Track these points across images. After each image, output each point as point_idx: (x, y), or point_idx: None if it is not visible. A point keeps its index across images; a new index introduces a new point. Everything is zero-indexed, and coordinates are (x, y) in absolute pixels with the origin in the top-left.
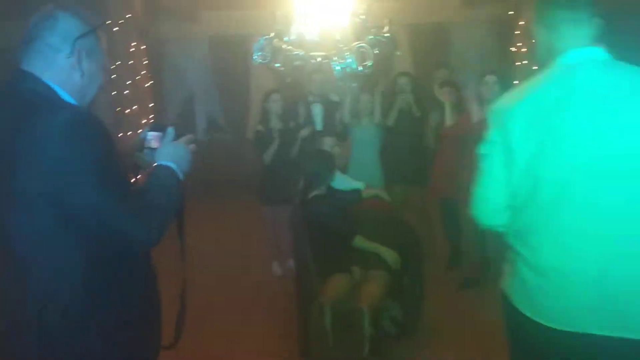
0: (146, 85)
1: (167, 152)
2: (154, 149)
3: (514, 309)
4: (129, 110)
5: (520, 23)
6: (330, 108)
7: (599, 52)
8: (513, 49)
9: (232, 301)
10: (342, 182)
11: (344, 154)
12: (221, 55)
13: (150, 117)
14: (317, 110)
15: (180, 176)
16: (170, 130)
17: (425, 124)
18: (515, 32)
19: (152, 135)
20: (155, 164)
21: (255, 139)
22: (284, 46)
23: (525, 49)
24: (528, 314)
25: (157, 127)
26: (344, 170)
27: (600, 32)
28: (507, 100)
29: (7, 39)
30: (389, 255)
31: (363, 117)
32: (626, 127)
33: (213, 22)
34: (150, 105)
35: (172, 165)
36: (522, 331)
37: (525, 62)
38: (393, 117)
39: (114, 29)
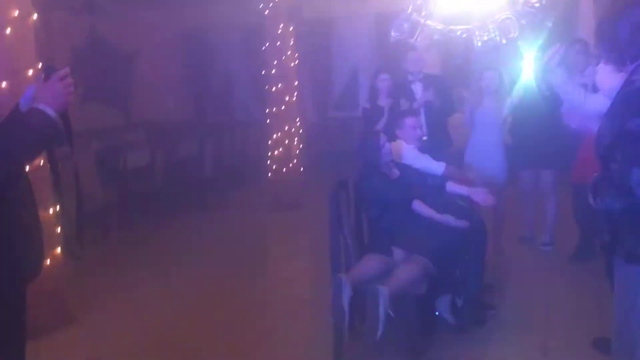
0: (292, 65)
1: (39, 95)
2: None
3: None
4: (275, 88)
5: None
6: (435, 85)
7: None
8: None
9: None
10: (417, 160)
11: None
12: (386, 31)
13: (295, 94)
14: (418, 89)
15: (50, 113)
16: (45, 73)
17: (557, 104)
18: None
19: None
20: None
21: (363, 116)
22: (422, 21)
23: None
24: None
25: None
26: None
27: None
28: None
29: None
30: (447, 220)
31: (485, 96)
32: None
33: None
34: (295, 83)
35: (41, 106)
36: None
37: None
38: (517, 96)
39: (265, 12)
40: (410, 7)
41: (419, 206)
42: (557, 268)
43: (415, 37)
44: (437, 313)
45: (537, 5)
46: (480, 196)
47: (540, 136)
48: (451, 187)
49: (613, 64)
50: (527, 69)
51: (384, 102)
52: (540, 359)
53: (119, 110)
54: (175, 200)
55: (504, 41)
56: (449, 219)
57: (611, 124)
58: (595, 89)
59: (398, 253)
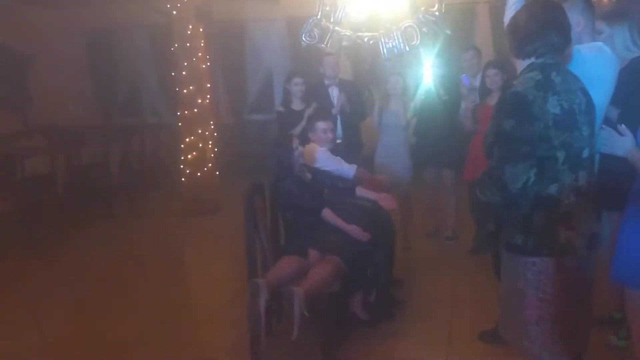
0: (203, 67)
1: None
2: None
3: None
4: (186, 90)
5: None
6: (348, 89)
7: None
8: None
9: None
10: (330, 163)
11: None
12: (298, 35)
13: (207, 96)
14: (334, 93)
15: None
16: None
17: (455, 107)
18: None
19: None
20: None
21: (277, 120)
22: (331, 27)
23: None
24: None
25: None
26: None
27: None
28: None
29: None
30: (354, 231)
31: (391, 100)
32: None
33: (293, 4)
34: (208, 85)
35: None
36: None
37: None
38: (419, 100)
39: (173, 12)
40: (320, 13)
41: (327, 215)
42: (459, 261)
43: (325, 43)
44: (350, 310)
45: (437, 14)
46: (385, 201)
47: (439, 137)
48: (360, 192)
49: (513, 52)
50: (428, 74)
51: (297, 105)
52: (446, 347)
53: (16, 115)
54: (80, 209)
55: (407, 48)
56: (355, 230)
57: (492, 124)
58: (487, 91)
59: (313, 254)
